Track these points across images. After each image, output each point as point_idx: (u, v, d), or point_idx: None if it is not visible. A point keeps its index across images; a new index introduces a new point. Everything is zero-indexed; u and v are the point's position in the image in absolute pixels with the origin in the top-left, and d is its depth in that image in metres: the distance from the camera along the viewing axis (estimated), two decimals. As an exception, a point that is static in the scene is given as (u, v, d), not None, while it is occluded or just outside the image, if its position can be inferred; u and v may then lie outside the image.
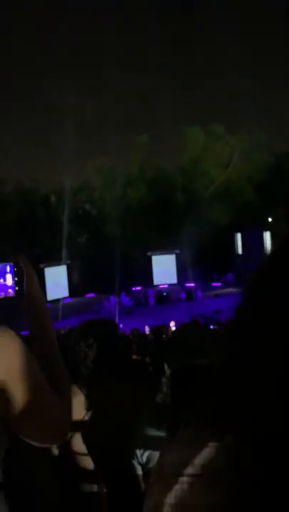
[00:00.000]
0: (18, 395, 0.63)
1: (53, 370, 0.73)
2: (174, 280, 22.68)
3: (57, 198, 25.79)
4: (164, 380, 1.25)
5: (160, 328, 8.67)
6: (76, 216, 24.79)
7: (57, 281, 20.71)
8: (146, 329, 10.87)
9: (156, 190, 25.58)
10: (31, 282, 0.78)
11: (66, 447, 1.21)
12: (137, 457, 1.20)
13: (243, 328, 0.46)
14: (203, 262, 21.28)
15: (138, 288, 21.89)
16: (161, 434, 1.13)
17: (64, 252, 21.93)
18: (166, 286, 22.20)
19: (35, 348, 0.71)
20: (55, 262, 21.25)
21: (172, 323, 11.40)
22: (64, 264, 21.74)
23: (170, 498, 0.43)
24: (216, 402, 0.45)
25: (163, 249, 22.89)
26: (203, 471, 0.42)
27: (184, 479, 0.43)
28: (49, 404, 0.67)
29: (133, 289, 21.67)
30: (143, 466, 1.20)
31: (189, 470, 0.43)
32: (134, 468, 1.21)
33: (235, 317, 0.48)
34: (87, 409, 1.38)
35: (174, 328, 10.53)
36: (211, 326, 8.56)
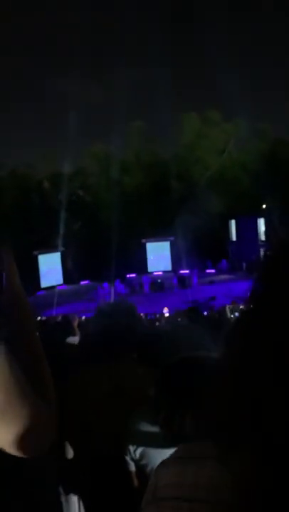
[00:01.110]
0: None
1: (36, 372, 0.66)
2: (168, 267, 22.61)
3: (51, 184, 25.53)
4: (158, 373, 1.20)
5: (154, 316, 8.60)
6: (70, 202, 24.64)
7: (51, 268, 20.64)
8: (165, 311, 10.78)
9: (152, 177, 25.35)
10: (12, 275, 0.70)
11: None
12: (130, 453, 1.16)
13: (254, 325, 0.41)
14: (198, 249, 21.28)
15: (132, 275, 21.78)
16: (155, 429, 1.07)
17: (59, 239, 21.82)
18: (160, 273, 22.13)
19: (15, 349, 0.61)
20: (49, 248, 21.07)
21: (165, 310, 11.37)
22: (58, 251, 21.56)
23: None
24: (221, 414, 0.39)
25: (157, 237, 22.78)
26: (204, 496, 0.37)
27: (183, 505, 0.37)
28: (32, 412, 0.59)
29: (127, 276, 21.57)
30: (136, 462, 1.16)
31: (189, 493, 0.38)
32: (126, 464, 1.16)
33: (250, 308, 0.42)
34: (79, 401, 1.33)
35: (167, 315, 10.64)
36: (205, 313, 8.58)
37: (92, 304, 15.91)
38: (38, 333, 0.73)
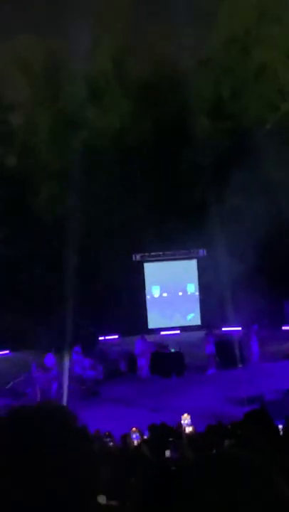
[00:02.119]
0: None
1: None
2: (194, 318, 23.09)
3: None
4: None
5: (160, 433, 8.35)
6: None
7: None
8: (134, 435, 10.80)
9: (152, 111, 25.56)
10: None
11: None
12: None
13: None
14: (262, 277, 21.27)
15: (112, 337, 22.19)
16: None
17: None
18: (176, 332, 22.37)
19: None
20: None
21: (186, 419, 11.35)
22: None
23: None
24: None
25: (169, 248, 23.27)
26: None
27: None
28: None
29: (100, 339, 21.97)
30: None
31: None
32: None
33: None
34: None
35: (189, 430, 10.56)
36: (281, 426, 8.51)
37: (20, 400, 16.30)
38: None
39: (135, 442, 10.46)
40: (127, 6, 26.10)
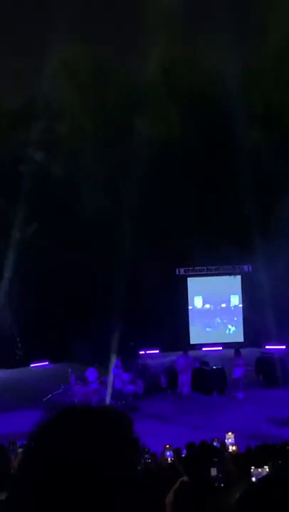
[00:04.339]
0: None
1: None
2: (237, 335, 22.96)
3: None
4: None
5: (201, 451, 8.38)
6: (15, 176, 24.66)
7: None
8: (168, 452, 10.72)
9: (199, 121, 25.57)
10: None
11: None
12: None
13: None
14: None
15: (152, 352, 22.14)
16: None
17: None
18: (218, 348, 22.32)
19: None
20: None
21: (229, 439, 11.29)
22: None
23: None
24: None
25: (213, 263, 23.12)
26: None
27: None
28: None
29: (141, 352, 21.93)
30: None
31: None
32: None
33: None
34: None
35: (233, 449, 10.58)
36: None
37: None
38: None
39: (169, 460, 10.44)
40: (175, 16, 26.20)
